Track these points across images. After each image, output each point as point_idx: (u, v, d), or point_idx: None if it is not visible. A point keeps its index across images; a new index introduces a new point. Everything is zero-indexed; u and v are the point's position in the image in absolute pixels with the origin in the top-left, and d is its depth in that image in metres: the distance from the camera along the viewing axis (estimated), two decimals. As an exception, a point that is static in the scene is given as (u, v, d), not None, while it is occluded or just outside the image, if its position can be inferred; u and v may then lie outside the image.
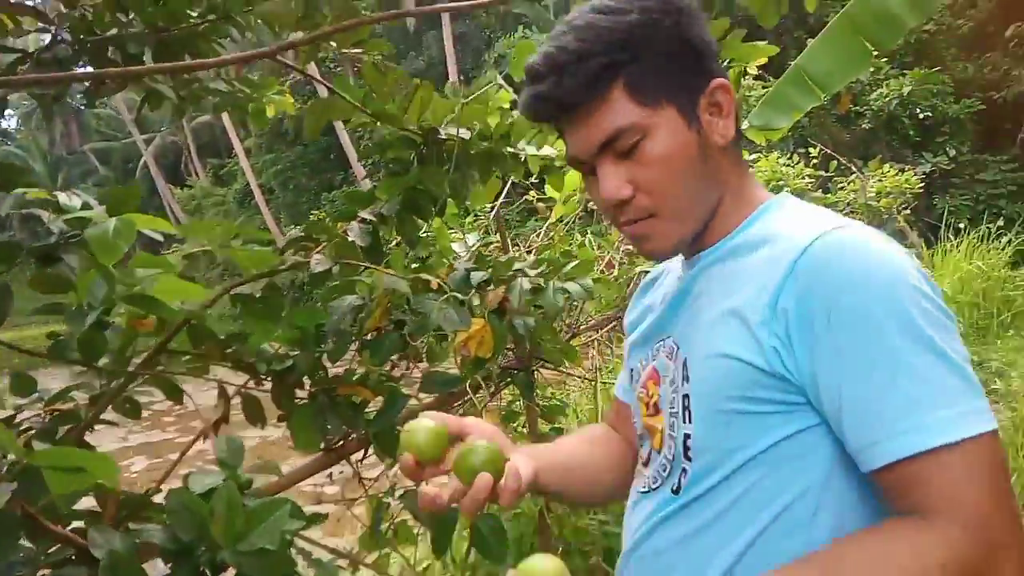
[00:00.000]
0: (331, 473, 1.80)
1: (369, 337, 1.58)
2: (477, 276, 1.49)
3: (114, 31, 1.67)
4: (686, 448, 0.83)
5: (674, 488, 0.85)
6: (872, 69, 11.32)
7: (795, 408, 0.75)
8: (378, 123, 1.49)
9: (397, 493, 1.55)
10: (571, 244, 2.55)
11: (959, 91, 11.85)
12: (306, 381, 1.56)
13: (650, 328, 0.97)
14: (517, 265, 1.55)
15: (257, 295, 1.47)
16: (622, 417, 1.07)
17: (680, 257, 0.94)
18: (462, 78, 19.66)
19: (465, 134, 1.52)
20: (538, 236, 2.47)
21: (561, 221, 2.52)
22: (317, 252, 1.56)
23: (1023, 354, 4.92)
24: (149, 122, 33.08)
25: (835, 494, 0.75)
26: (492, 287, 1.54)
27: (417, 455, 0.82)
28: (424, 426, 0.84)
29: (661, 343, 0.92)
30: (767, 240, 0.81)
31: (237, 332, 1.49)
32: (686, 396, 0.84)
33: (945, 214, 9.55)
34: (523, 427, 2.22)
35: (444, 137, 1.57)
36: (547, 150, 1.97)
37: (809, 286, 0.73)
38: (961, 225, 8.74)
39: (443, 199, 1.74)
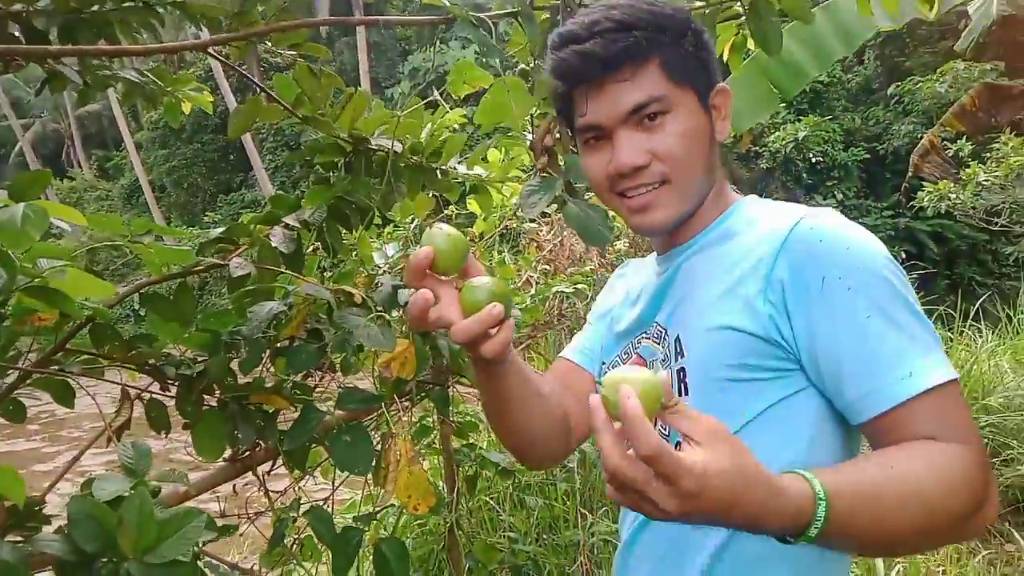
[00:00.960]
0: (234, 486, 1.73)
1: (285, 346, 1.53)
2: (405, 294, 1.47)
3: (19, 6, 1.57)
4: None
5: None
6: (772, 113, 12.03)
7: (786, 373, 0.83)
8: (308, 127, 1.46)
9: (303, 508, 1.50)
10: (491, 261, 2.57)
11: (847, 140, 12.76)
12: (215, 388, 1.50)
13: (632, 322, 1.01)
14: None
15: (167, 295, 1.41)
16: (569, 379, 1.09)
17: (648, 259, 1.04)
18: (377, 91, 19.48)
19: (398, 147, 1.51)
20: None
21: (482, 238, 2.53)
22: (237, 255, 1.50)
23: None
24: (27, 107, 30.86)
25: (817, 456, 0.82)
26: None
27: (437, 257, 0.77)
28: (448, 233, 0.79)
29: (644, 333, 0.98)
30: (749, 225, 0.90)
31: (144, 333, 1.42)
32: (681, 370, 0.88)
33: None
34: (436, 442, 2.20)
35: (375, 148, 1.56)
36: (477, 170, 1.98)
37: (801, 258, 0.82)
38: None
39: (371, 210, 1.72)
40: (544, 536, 2.60)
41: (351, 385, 1.50)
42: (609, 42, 0.85)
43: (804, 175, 12.16)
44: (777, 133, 12.00)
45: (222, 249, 1.49)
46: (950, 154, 9.64)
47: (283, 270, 1.53)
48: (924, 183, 9.25)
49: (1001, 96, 3.91)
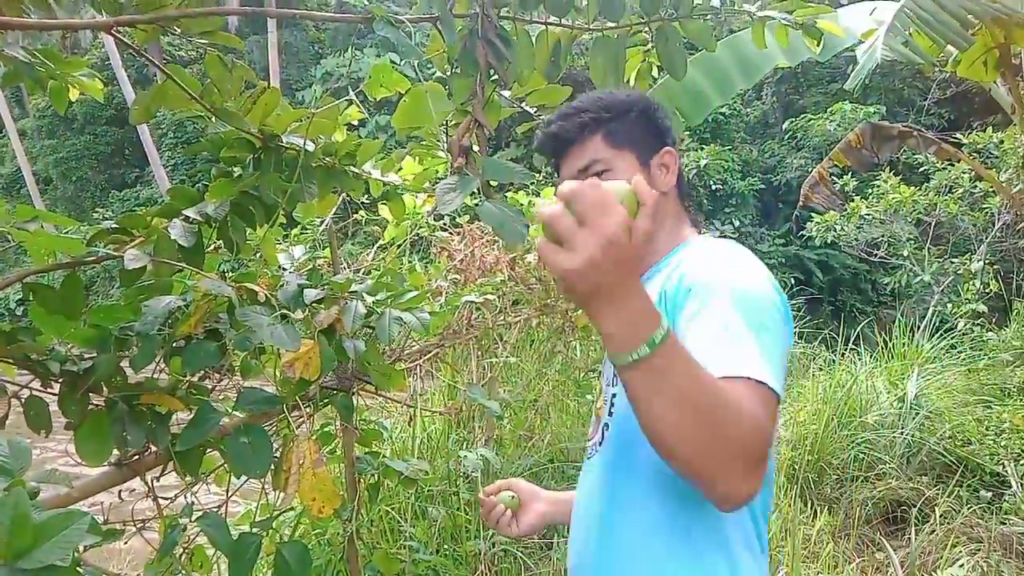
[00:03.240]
0: (119, 493, 1.63)
1: (181, 345, 1.47)
2: (311, 294, 1.44)
3: None
4: (611, 409, 1.09)
5: (599, 443, 1.11)
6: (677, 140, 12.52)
7: None
8: (213, 119, 1.41)
9: (195, 515, 1.44)
10: (401, 268, 2.55)
11: (744, 170, 13.44)
12: (103, 387, 1.41)
13: None
14: (355, 287, 1.52)
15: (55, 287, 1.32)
16: None
17: None
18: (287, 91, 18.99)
19: (310, 146, 1.48)
20: (369, 256, 2.45)
21: (393, 244, 2.51)
22: (131, 247, 1.43)
23: (786, 405, 5.60)
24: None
25: None
26: (324, 306, 1.50)
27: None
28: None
29: None
30: (678, 261, 1.11)
31: (26, 327, 1.32)
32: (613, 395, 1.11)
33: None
34: (338, 450, 2.16)
35: (286, 145, 1.52)
36: (392, 176, 1.97)
37: (680, 275, 1.03)
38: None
39: (277, 208, 1.68)
40: (446, 546, 2.58)
41: (251, 387, 1.45)
42: (566, 124, 1.20)
43: (705, 201, 12.71)
44: (681, 160, 12.50)
45: (116, 240, 1.42)
46: (837, 187, 10.34)
47: (182, 264, 1.47)
48: (813, 213, 9.86)
49: (883, 135, 4.24)
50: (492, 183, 1.23)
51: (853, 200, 8.35)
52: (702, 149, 12.67)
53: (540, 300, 3.69)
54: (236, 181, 1.47)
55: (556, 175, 1.27)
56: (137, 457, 1.55)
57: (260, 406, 1.42)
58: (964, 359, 5.72)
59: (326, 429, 2.19)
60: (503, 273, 3.16)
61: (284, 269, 2.11)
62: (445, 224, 3.21)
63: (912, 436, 3.95)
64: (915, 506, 3.64)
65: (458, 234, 3.14)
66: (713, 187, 12.65)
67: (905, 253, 9.65)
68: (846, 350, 5.92)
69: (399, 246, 2.58)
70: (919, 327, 8.07)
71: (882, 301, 13.76)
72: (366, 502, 2.08)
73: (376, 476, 2.10)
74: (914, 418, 4.03)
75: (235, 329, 1.47)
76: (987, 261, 6.73)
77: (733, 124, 14.11)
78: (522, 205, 3.69)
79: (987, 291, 6.18)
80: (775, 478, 3.85)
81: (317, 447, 1.38)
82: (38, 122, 22.30)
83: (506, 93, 1.50)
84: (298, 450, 1.37)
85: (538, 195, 3.57)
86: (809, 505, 3.57)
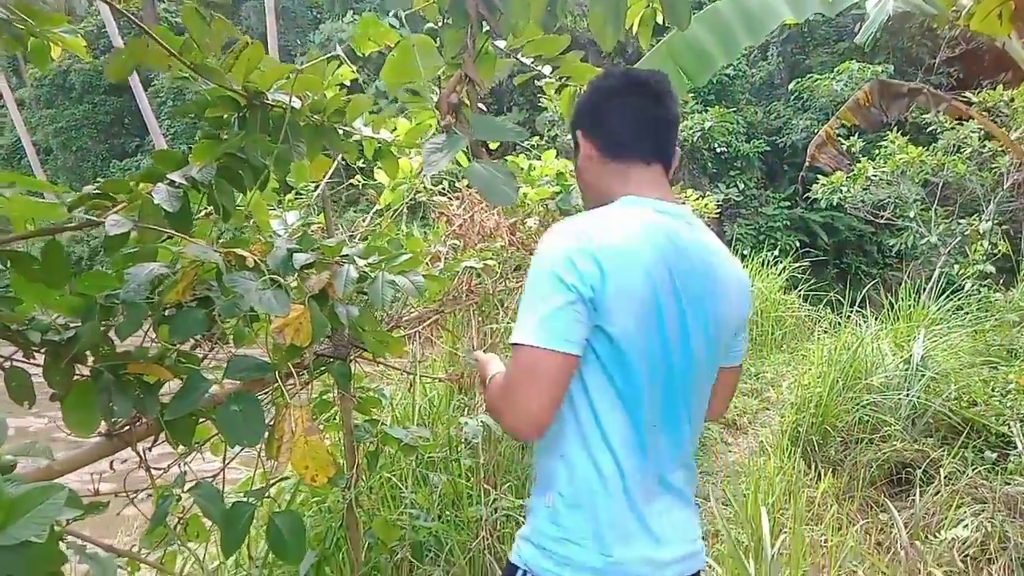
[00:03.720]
0: (112, 463, 1.61)
1: (169, 312, 1.43)
2: (301, 258, 1.40)
3: None
4: None
5: None
6: (681, 102, 12.31)
7: None
8: (197, 78, 1.35)
9: (188, 485, 1.41)
10: (398, 233, 2.50)
11: (749, 132, 13.23)
12: (89, 357, 1.38)
13: None
14: (346, 250, 1.47)
15: (35, 254, 1.28)
16: None
17: None
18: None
19: (296, 103, 1.42)
20: (364, 222, 2.39)
21: (389, 209, 2.46)
22: (113, 212, 1.38)
23: (790, 367, 5.58)
24: None
25: None
26: (315, 271, 1.45)
27: None
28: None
29: None
30: None
31: (6, 296, 1.28)
32: None
33: (734, 240, 10.58)
34: (335, 418, 2.13)
35: (271, 103, 1.46)
36: (384, 133, 1.91)
37: None
38: (745, 252, 9.75)
39: (266, 170, 1.62)
40: (447, 512, 2.57)
41: (242, 354, 1.41)
42: None
43: (709, 164, 12.55)
44: (685, 122, 12.31)
45: (98, 206, 1.37)
46: (844, 147, 10.17)
47: (167, 230, 1.42)
48: (819, 175, 9.73)
49: (892, 93, 4.12)
50: (485, 143, 1.18)
51: (860, 161, 8.21)
52: (707, 111, 12.47)
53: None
54: (220, 142, 1.41)
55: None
56: (128, 427, 1.53)
57: (251, 373, 1.38)
58: (970, 320, 5.67)
59: (324, 397, 2.16)
60: (503, 238, 3.11)
61: (277, 235, 2.06)
62: (444, 189, 3.14)
63: (917, 398, 3.91)
64: (920, 468, 3.62)
65: (457, 199, 3.08)
66: (718, 150, 12.48)
67: (912, 214, 9.52)
68: (851, 312, 5.87)
69: (396, 211, 2.53)
70: (925, 289, 8.02)
71: (888, 263, 13.64)
72: (365, 470, 2.06)
73: (375, 444, 2.08)
74: (920, 380, 3.99)
75: (225, 296, 1.43)
76: (995, 222, 6.63)
77: (738, 85, 13.87)
78: (522, 170, 3.62)
79: (995, 252, 6.10)
80: (781, 441, 3.84)
81: (309, 414, 1.35)
82: (36, 91, 22.07)
83: (501, 44, 1.44)
84: (290, 418, 1.34)
85: (539, 159, 3.49)
86: (813, 467, 3.56)
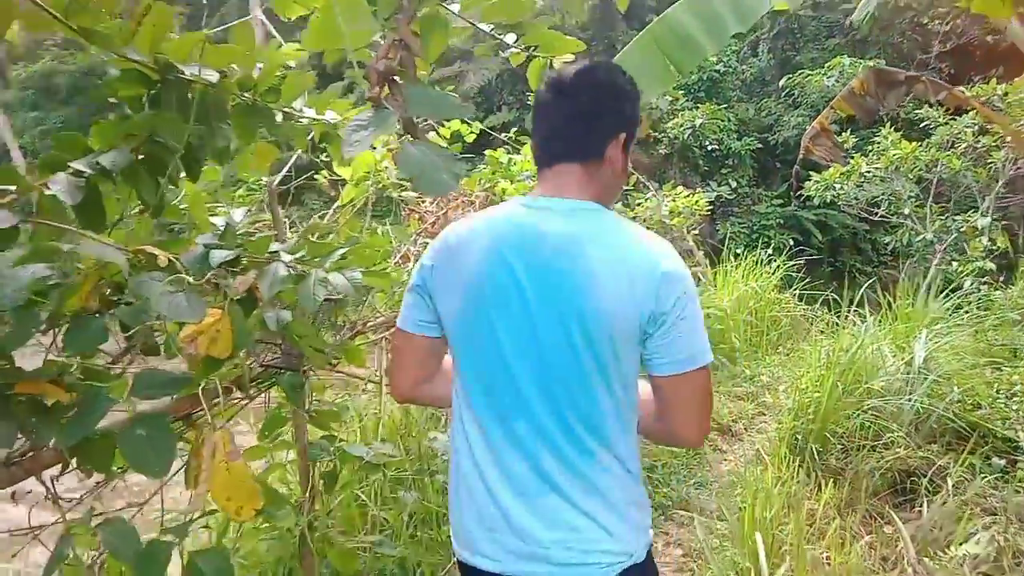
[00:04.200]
0: (14, 492, 1.40)
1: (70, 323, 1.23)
2: (219, 255, 1.19)
3: None
4: None
5: None
6: (670, 99, 12.15)
7: None
8: (90, 48, 1.15)
9: (94, 520, 1.21)
10: (361, 231, 2.29)
11: (741, 129, 13.07)
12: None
13: None
14: (274, 247, 1.27)
15: None
16: None
17: None
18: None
19: (211, 75, 1.22)
20: (323, 219, 2.19)
21: (351, 204, 2.26)
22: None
23: (787, 370, 5.38)
24: None
25: None
26: (242, 272, 1.25)
27: None
28: None
29: None
30: None
31: None
32: None
33: (726, 239, 10.43)
34: (289, 435, 1.93)
35: (189, 78, 1.26)
36: (329, 114, 1.71)
37: None
38: (739, 250, 9.57)
39: (200, 159, 1.43)
40: (420, 532, 2.37)
41: (152, 369, 1.21)
42: None
43: (700, 162, 12.37)
44: (675, 119, 12.14)
45: (-19, 199, 1.16)
46: (840, 139, 10.01)
47: (71, 228, 1.22)
48: (812, 172, 9.58)
49: (888, 81, 3.94)
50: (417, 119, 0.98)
51: (852, 157, 8.05)
52: (697, 108, 12.29)
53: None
54: (123, 122, 1.21)
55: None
56: (30, 454, 1.33)
57: (162, 390, 1.17)
58: (971, 319, 5.50)
59: (282, 412, 1.96)
60: (480, 236, 2.91)
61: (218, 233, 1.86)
62: (417, 184, 2.94)
63: (920, 402, 3.73)
64: (925, 476, 3.43)
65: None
66: (709, 148, 12.30)
67: (906, 211, 9.38)
68: (848, 312, 5.69)
69: (360, 206, 2.33)
70: (922, 287, 7.86)
71: (883, 261, 13.50)
72: (321, 492, 1.85)
73: (333, 463, 1.88)
74: (923, 383, 3.81)
75: (138, 301, 1.23)
76: (993, 217, 6.46)
77: (729, 82, 13.70)
78: (501, 164, 3.42)
79: (994, 248, 5.93)
80: (779, 449, 3.65)
81: (231, 437, 1.14)
82: (21, 94, 21.73)
83: (455, 7, 1.24)
84: (209, 441, 1.14)
85: (518, 152, 3.30)
86: (813, 477, 3.36)
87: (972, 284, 5.86)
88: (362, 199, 2.31)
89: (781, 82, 12.60)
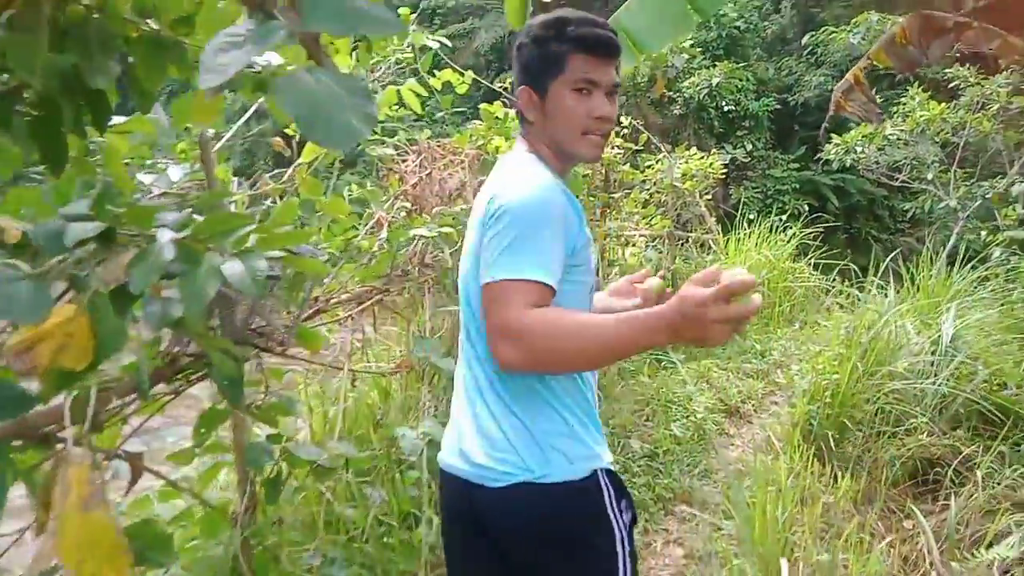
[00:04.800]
0: None
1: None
2: (79, 230, 0.90)
3: None
4: None
5: None
6: (687, 57, 11.63)
7: None
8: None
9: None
10: (325, 193, 2.00)
11: (759, 90, 12.55)
12: None
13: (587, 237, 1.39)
14: (160, 218, 0.98)
15: None
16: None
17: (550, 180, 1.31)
18: None
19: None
20: (274, 179, 1.89)
21: (311, 164, 1.96)
22: None
23: (800, 345, 5.10)
24: None
25: None
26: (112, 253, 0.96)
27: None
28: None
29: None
30: None
31: None
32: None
33: (740, 204, 10.08)
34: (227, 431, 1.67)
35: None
36: (270, 56, 1.40)
37: None
38: (752, 216, 9.21)
39: (106, 103, 1.14)
40: (390, 535, 2.12)
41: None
42: (614, 39, 1.37)
43: (716, 124, 11.91)
44: (691, 79, 11.64)
45: None
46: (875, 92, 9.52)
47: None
48: (833, 135, 9.15)
49: (935, 28, 3.53)
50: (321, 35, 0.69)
51: (888, 115, 7.61)
52: (714, 67, 11.78)
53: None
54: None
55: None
56: None
57: (7, 411, 0.90)
58: (998, 293, 5.17)
59: (217, 407, 1.69)
60: (467, 201, 2.61)
61: (147, 192, 1.58)
62: (400, 141, 2.64)
63: (947, 384, 3.45)
64: (950, 466, 3.17)
65: (415, 152, 2.58)
66: (725, 108, 11.80)
67: (930, 176, 8.98)
68: (866, 283, 5.37)
69: (327, 166, 2.04)
70: (941, 256, 7.52)
71: (900, 228, 13.12)
72: (261, 501, 1.60)
73: (277, 468, 1.62)
74: (949, 363, 3.52)
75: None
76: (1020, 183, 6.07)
77: (749, 39, 13.12)
78: (497, 119, 3.11)
79: (1029, 216, 5.56)
80: (792, 435, 3.38)
81: (92, 473, 0.87)
82: None
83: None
84: (63, 479, 0.87)
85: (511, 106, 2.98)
86: (828, 467, 3.10)
87: (1001, 255, 5.50)
88: (333, 157, 2.02)
89: (804, 39, 12.05)
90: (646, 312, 1.12)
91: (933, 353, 3.61)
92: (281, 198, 1.88)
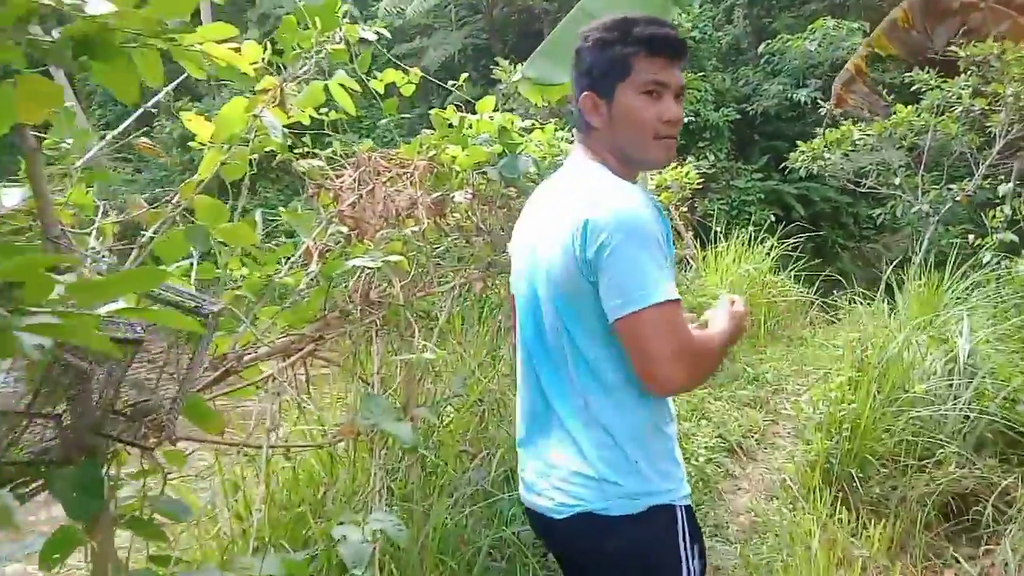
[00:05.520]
0: None
1: None
2: None
3: None
4: None
5: None
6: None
7: None
8: None
9: None
10: (232, 218, 1.52)
11: (718, 100, 12.39)
12: None
13: None
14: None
15: None
16: None
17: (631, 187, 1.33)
18: None
19: None
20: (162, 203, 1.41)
21: (202, 182, 1.48)
22: None
23: (792, 365, 4.71)
24: None
25: None
26: None
27: None
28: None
29: None
30: None
31: None
32: None
33: (706, 217, 9.83)
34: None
35: None
36: (97, 5, 0.95)
37: None
38: (719, 228, 8.92)
39: None
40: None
41: None
42: (680, 39, 1.33)
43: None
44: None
45: None
46: (823, 110, 9.34)
47: None
48: (798, 142, 8.94)
49: (939, 11, 3.21)
50: None
51: (894, 107, 7.35)
52: (672, 78, 11.53)
53: (484, 255, 2.70)
54: None
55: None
56: None
57: None
58: (992, 300, 4.87)
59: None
60: (422, 219, 2.15)
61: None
62: (333, 153, 2.18)
63: (969, 406, 3.07)
64: (986, 500, 2.78)
65: (352, 165, 2.12)
66: (686, 119, 11.57)
67: (897, 181, 8.83)
68: (852, 294, 5.04)
69: (239, 179, 1.57)
70: (915, 260, 7.31)
71: (865, 235, 13.07)
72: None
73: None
74: (968, 383, 3.15)
75: None
76: (1015, 184, 5.83)
77: (704, 50, 12.97)
78: (451, 126, 2.67)
79: (1016, 218, 5.29)
80: (806, 477, 2.96)
81: None
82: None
83: None
84: None
85: (473, 110, 2.55)
86: (856, 514, 2.68)
87: (992, 259, 5.21)
88: (237, 170, 1.55)
89: (760, 48, 11.93)
90: (723, 329, 1.33)
91: (950, 372, 3.24)
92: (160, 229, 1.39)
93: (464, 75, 2.83)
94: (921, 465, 2.89)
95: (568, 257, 1.22)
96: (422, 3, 15.88)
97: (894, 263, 6.08)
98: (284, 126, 1.72)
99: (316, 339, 1.74)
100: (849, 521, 2.62)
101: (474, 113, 2.70)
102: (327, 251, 1.85)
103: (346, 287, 1.92)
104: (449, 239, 2.43)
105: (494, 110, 2.73)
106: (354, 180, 2.07)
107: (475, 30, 16.97)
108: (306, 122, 1.82)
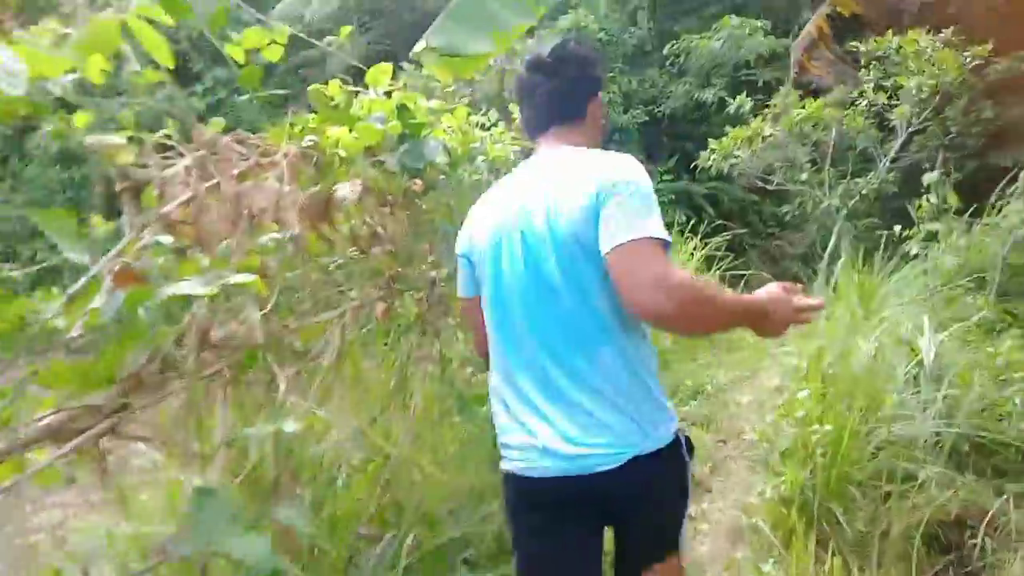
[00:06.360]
0: None
1: None
2: None
3: None
4: None
5: None
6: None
7: None
8: None
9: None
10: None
11: (626, 103, 12.21)
12: None
13: None
14: None
15: None
16: None
17: None
18: None
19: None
20: None
21: None
22: None
23: (731, 372, 4.33)
24: None
25: None
26: None
27: None
28: None
29: None
30: None
31: None
32: None
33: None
34: None
35: None
36: None
37: None
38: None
39: None
40: None
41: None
42: None
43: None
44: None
45: None
46: (732, 107, 9.23)
47: None
48: (709, 139, 8.79)
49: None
50: None
51: (865, 69, 7.18)
52: (579, 79, 11.23)
53: (388, 269, 2.14)
54: None
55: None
56: None
57: None
58: (924, 290, 4.68)
59: None
60: (293, 225, 1.57)
61: None
62: (163, 137, 1.56)
63: (941, 417, 2.74)
64: (973, 526, 2.43)
65: (189, 151, 1.51)
66: (598, 122, 11.30)
67: (804, 177, 8.83)
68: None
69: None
70: (819, 254, 7.24)
71: (770, 232, 13.18)
72: None
73: None
74: (938, 391, 2.82)
75: None
76: (942, 172, 5.73)
77: (611, 53, 12.78)
78: (334, 104, 2.09)
79: (946, 207, 5.15)
80: (780, 515, 2.52)
81: None
82: None
83: None
84: None
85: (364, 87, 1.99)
86: (840, 556, 2.26)
87: (920, 249, 5.04)
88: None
89: (665, 50, 11.79)
90: (753, 296, 1.42)
91: (915, 379, 2.91)
92: None
93: (347, 27, 2.26)
94: (903, 491, 2.51)
95: (590, 213, 1.34)
96: (322, 7, 15.09)
97: (779, 259, 5.91)
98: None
99: (118, 409, 1.13)
100: (832, 569, 2.19)
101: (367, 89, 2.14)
102: (141, 272, 1.24)
103: (177, 326, 1.31)
104: (336, 250, 1.85)
105: (391, 91, 2.17)
106: (190, 173, 1.46)
107: (379, 36, 16.29)
108: (97, 79, 1.21)
